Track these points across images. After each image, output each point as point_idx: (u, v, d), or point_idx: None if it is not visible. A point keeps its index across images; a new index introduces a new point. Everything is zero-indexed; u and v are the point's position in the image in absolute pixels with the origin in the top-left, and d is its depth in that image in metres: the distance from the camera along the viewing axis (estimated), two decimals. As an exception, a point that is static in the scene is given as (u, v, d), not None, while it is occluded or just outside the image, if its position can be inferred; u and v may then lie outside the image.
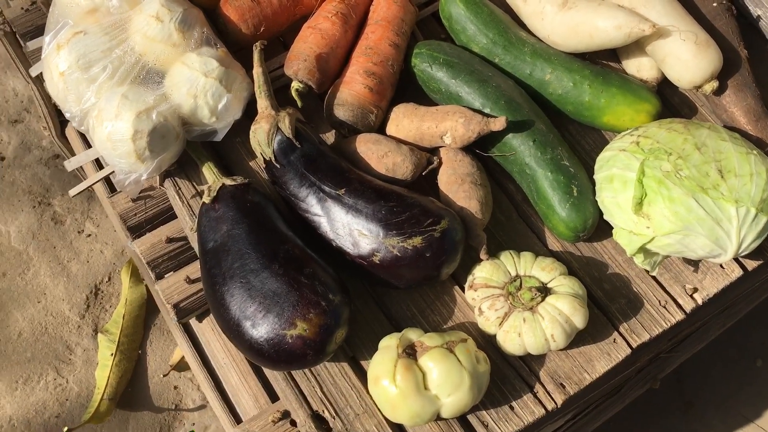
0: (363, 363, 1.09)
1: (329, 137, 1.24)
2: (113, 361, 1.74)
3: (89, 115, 1.14)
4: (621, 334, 1.11)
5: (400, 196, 1.08)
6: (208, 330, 1.29)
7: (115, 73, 1.13)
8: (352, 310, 1.05)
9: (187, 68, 1.13)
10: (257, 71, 1.14)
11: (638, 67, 1.26)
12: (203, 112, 1.14)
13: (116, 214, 1.28)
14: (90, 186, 1.24)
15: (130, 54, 1.14)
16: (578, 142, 1.25)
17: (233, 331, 1.03)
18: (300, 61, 1.19)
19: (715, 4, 1.25)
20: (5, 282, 1.90)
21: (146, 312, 1.84)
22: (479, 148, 1.19)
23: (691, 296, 1.14)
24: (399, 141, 1.18)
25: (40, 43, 1.23)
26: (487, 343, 1.10)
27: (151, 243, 1.25)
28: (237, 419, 1.27)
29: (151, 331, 1.85)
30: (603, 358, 1.09)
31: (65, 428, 1.68)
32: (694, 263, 1.16)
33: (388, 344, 1.04)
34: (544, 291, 1.06)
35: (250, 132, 1.14)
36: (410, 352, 1.02)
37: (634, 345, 1.10)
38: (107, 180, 1.36)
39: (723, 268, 1.15)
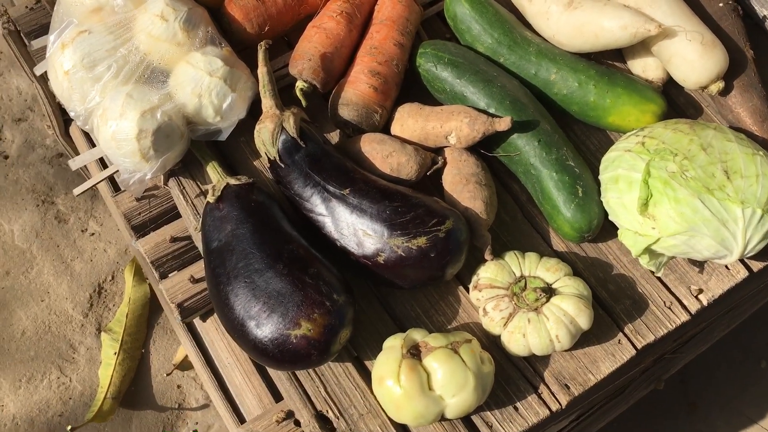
0: (367, 363, 1.09)
1: (334, 137, 1.24)
2: (116, 359, 1.74)
3: (94, 114, 1.14)
4: (626, 335, 1.11)
5: (405, 196, 1.08)
6: (212, 329, 1.29)
7: (119, 72, 1.13)
8: (356, 310, 1.05)
9: (192, 67, 1.13)
10: (262, 71, 1.14)
11: (644, 68, 1.25)
12: (208, 111, 1.14)
13: (120, 213, 1.28)
14: (94, 185, 1.24)
15: (134, 53, 1.14)
16: (583, 143, 1.25)
17: (237, 330, 1.02)
18: (304, 61, 1.19)
19: (721, 5, 1.24)
20: (9, 280, 1.90)
21: (149, 311, 1.84)
22: (484, 148, 1.18)
23: (696, 297, 1.13)
24: (403, 141, 1.18)
25: (45, 42, 1.23)
26: (492, 343, 1.10)
27: (155, 242, 1.25)
28: (240, 419, 1.27)
29: (154, 330, 1.85)
30: (608, 359, 1.09)
31: (68, 427, 1.69)
32: (700, 264, 1.15)
33: (393, 344, 1.03)
34: (549, 292, 1.06)
35: (255, 131, 1.14)
36: (414, 352, 1.02)
37: (639, 346, 1.10)
38: (111, 179, 1.36)
39: (728, 269, 1.15)
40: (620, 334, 1.11)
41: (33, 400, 1.78)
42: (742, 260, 1.15)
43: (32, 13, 1.44)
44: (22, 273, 1.92)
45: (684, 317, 1.12)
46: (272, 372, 1.16)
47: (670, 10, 1.18)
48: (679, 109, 1.28)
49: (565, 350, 1.08)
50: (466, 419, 1.06)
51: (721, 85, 1.19)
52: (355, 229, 1.07)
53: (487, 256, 1.10)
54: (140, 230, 1.28)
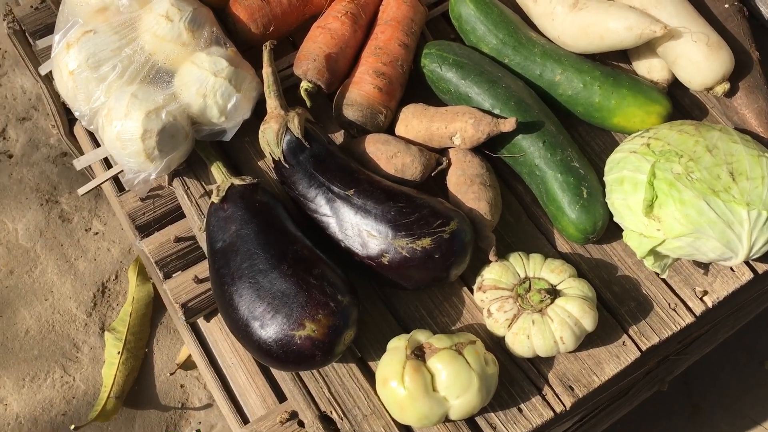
0: (371, 364, 1.09)
1: (338, 137, 1.24)
2: (120, 359, 1.74)
3: (98, 114, 1.14)
4: (630, 337, 1.10)
5: (410, 197, 1.08)
6: (215, 329, 1.29)
7: (124, 72, 1.13)
8: (360, 311, 1.05)
9: (197, 68, 1.13)
10: (267, 71, 1.14)
11: (649, 69, 1.25)
12: (212, 111, 1.14)
13: (125, 213, 1.28)
14: (99, 185, 1.24)
15: (139, 53, 1.14)
16: (588, 144, 1.25)
17: (242, 331, 1.02)
18: (309, 61, 1.19)
19: (726, 6, 1.24)
20: (12, 279, 1.91)
21: (153, 310, 1.84)
22: (488, 149, 1.18)
23: (700, 299, 1.13)
24: (408, 141, 1.18)
25: (50, 42, 1.23)
26: (496, 344, 1.10)
27: (160, 242, 1.25)
28: (244, 419, 1.27)
29: (157, 330, 1.86)
30: (612, 360, 1.09)
31: (72, 426, 1.69)
32: (704, 266, 1.15)
33: (397, 345, 1.03)
34: (554, 293, 1.06)
35: (259, 132, 1.14)
36: (419, 353, 1.02)
37: (644, 348, 1.10)
38: (115, 179, 1.36)
39: (733, 271, 1.15)
40: (625, 335, 1.10)
41: (36, 399, 1.78)
42: (747, 262, 1.15)
43: (37, 12, 1.44)
44: (26, 272, 1.92)
45: (689, 319, 1.12)
46: (276, 372, 1.16)
47: (675, 11, 1.18)
48: (684, 111, 1.28)
49: (570, 352, 1.08)
50: (470, 420, 1.06)
51: (726, 86, 1.19)
52: (360, 230, 1.06)
53: (492, 257, 1.10)
54: (144, 230, 1.29)
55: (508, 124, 1.11)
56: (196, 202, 1.19)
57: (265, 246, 1.04)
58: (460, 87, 1.19)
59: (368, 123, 1.18)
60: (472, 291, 1.13)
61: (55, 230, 1.97)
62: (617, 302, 1.13)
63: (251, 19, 1.23)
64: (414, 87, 1.24)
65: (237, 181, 1.12)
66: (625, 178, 1.09)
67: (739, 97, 1.21)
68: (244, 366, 1.25)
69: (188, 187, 1.20)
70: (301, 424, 1.10)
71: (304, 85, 1.19)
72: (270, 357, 1.02)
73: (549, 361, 1.09)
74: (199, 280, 1.19)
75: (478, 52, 1.24)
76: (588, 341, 1.08)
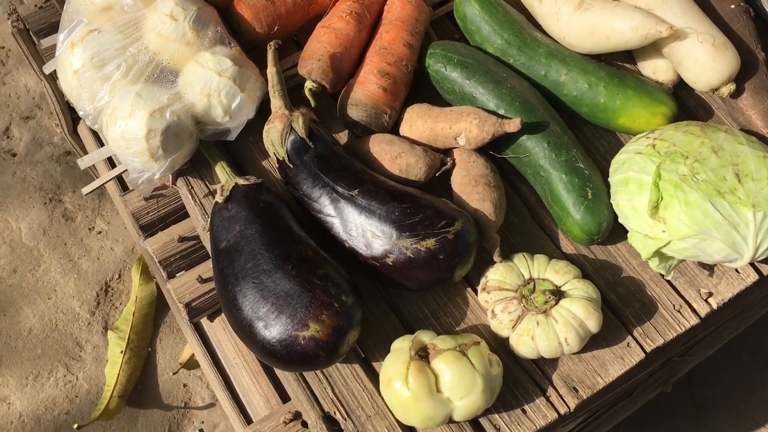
0: (375, 365, 1.09)
1: (342, 137, 1.24)
2: (123, 358, 1.74)
3: (103, 113, 1.14)
4: (635, 338, 1.10)
5: (414, 198, 1.08)
6: (219, 329, 1.29)
7: (129, 71, 1.13)
8: (364, 311, 1.05)
9: (201, 67, 1.13)
10: (271, 71, 1.14)
11: (654, 69, 1.25)
12: (217, 111, 1.14)
13: (128, 213, 1.28)
14: (103, 184, 1.24)
15: (144, 52, 1.14)
16: (593, 144, 1.24)
17: (245, 331, 1.02)
18: (314, 61, 1.19)
19: (732, 6, 1.23)
20: (16, 278, 1.91)
21: (156, 309, 1.85)
22: (493, 150, 1.18)
23: (705, 301, 1.13)
24: (412, 142, 1.17)
25: (54, 41, 1.23)
26: (500, 346, 1.09)
27: (163, 242, 1.24)
28: (247, 419, 1.27)
29: (160, 329, 1.86)
30: (617, 362, 1.09)
31: (75, 425, 1.69)
32: (709, 267, 1.15)
33: (401, 346, 1.03)
34: (558, 294, 1.05)
35: (264, 131, 1.14)
36: (423, 354, 1.01)
37: (648, 349, 1.09)
38: (119, 178, 1.36)
39: (738, 272, 1.14)
40: (629, 337, 1.10)
41: (40, 398, 1.78)
42: (752, 264, 1.15)
43: (41, 11, 1.44)
44: (30, 271, 1.92)
45: (693, 320, 1.11)
46: (279, 373, 1.15)
47: (681, 12, 1.18)
48: (690, 111, 1.28)
49: (574, 353, 1.08)
50: (474, 421, 1.06)
51: (732, 87, 1.18)
52: (364, 230, 1.06)
53: (496, 258, 1.10)
54: (148, 230, 1.28)
55: (513, 125, 1.11)
56: (200, 202, 1.19)
57: (269, 246, 1.04)
58: (465, 87, 1.19)
59: (372, 123, 1.18)
60: (476, 292, 1.13)
61: (59, 229, 1.97)
62: (622, 303, 1.12)
63: (256, 19, 1.22)
64: (418, 87, 1.24)
65: (241, 181, 1.11)
66: (630, 179, 1.09)
67: (744, 98, 1.20)
68: (247, 366, 1.25)
69: (192, 187, 1.20)
70: (304, 424, 1.10)
71: (308, 84, 1.19)
72: (274, 357, 1.02)
73: (553, 362, 1.09)
74: (202, 280, 1.19)
75: (483, 52, 1.23)
76: (592, 342, 1.08)
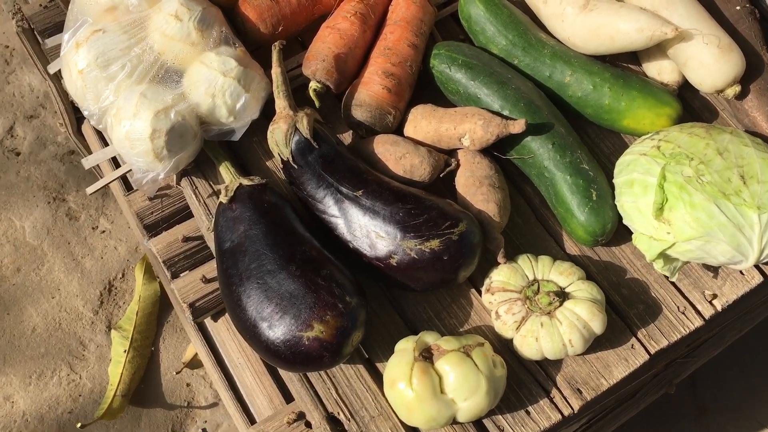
0: (379, 365, 1.09)
1: (346, 138, 1.24)
2: (126, 357, 1.74)
3: (107, 113, 1.14)
4: (639, 340, 1.10)
5: (418, 199, 1.08)
6: (223, 329, 1.29)
7: (133, 71, 1.13)
8: (368, 312, 1.05)
9: (206, 67, 1.13)
10: (276, 71, 1.14)
11: (659, 70, 1.25)
12: (221, 111, 1.14)
13: (133, 213, 1.28)
14: (107, 184, 1.24)
15: (148, 53, 1.14)
16: (597, 146, 1.24)
17: (249, 331, 1.02)
18: (318, 61, 1.19)
19: (738, 8, 1.23)
20: (20, 277, 1.91)
21: (159, 309, 1.85)
22: (497, 151, 1.18)
23: (710, 302, 1.13)
24: (417, 142, 1.17)
25: (59, 41, 1.23)
26: (504, 347, 1.09)
27: (168, 242, 1.25)
28: (251, 419, 1.27)
29: (164, 328, 1.86)
30: (621, 363, 1.08)
31: (78, 424, 1.69)
32: (714, 269, 1.15)
33: (405, 347, 1.03)
34: (562, 296, 1.05)
35: (268, 132, 1.14)
36: (427, 355, 1.01)
37: (653, 351, 1.09)
38: (123, 178, 1.36)
39: (743, 274, 1.14)
40: (633, 338, 1.10)
41: (43, 396, 1.78)
42: (757, 266, 1.15)
43: (46, 11, 1.44)
44: (33, 270, 1.92)
45: (698, 322, 1.11)
46: (283, 373, 1.16)
47: (686, 13, 1.18)
48: (695, 113, 1.28)
49: (578, 354, 1.08)
50: (478, 423, 1.06)
51: (737, 88, 1.18)
52: (368, 231, 1.06)
53: (500, 259, 1.10)
54: (152, 229, 1.29)
55: (518, 126, 1.11)
56: (205, 202, 1.19)
57: (274, 246, 1.04)
58: (470, 88, 1.19)
59: (377, 124, 1.18)
60: (480, 293, 1.13)
61: (63, 228, 1.97)
62: (626, 305, 1.12)
63: (260, 19, 1.22)
64: (423, 88, 1.24)
65: (245, 182, 1.11)
66: (635, 181, 1.08)
67: (750, 99, 1.20)
68: (251, 366, 1.25)
69: (196, 187, 1.20)
70: (308, 425, 1.10)
71: (312, 85, 1.19)
72: (278, 358, 1.02)
73: (557, 363, 1.09)
74: (206, 280, 1.19)
75: (488, 53, 1.23)
76: (596, 344, 1.08)
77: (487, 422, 1.06)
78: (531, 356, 1.06)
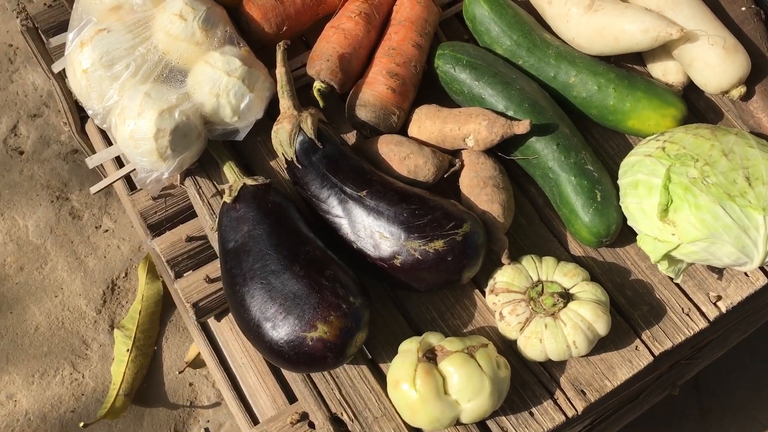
0: (382, 366, 1.09)
1: (350, 138, 1.24)
2: (129, 356, 1.75)
3: (112, 112, 1.14)
4: (643, 342, 1.10)
5: (422, 199, 1.07)
6: (226, 329, 1.29)
7: (138, 71, 1.13)
8: (372, 312, 1.05)
9: (210, 67, 1.13)
10: (280, 71, 1.14)
11: (664, 71, 1.24)
12: (225, 111, 1.14)
13: (136, 212, 1.28)
14: (111, 183, 1.24)
15: (153, 52, 1.14)
16: (601, 146, 1.24)
17: (253, 332, 1.02)
18: (322, 61, 1.18)
19: (743, 9, 1.23)
20: (23, 276, 1.91)
21: (162, 308, 1.85)
22: (502, 151, 1.18)
23: (714, 304, 1.12)
24: (421, 143, 1.17)
25: (63, 40, 1.23)
26: (508, 348, 1.09)
27: (171, 241, 1.25)
28: (254, 419, 1.27)
29: (166, 328, 1.86)
30: (625, 365, 1.08)
31: (81, 423, 1.69)
32: (718, 271, 1.14)
33: (408, 348, 1.03)
34: (566, 297, 1.05)
35: (272, 132, 1.13)
36: (430, 356, 1.01)
37: (657, 353, 1.09)
38: (127, 177, 1.36)
39: (747, 276, 1.14)
40: (637, 340, 1.10)
41: (46, 395, 1.79)
42: (761, 267, 1.14)
43: (51, 10, 1.44)
44: (36, 269, 1.92)
45: (702, 324, 1.11)
46: (286, 373, 1.15)
47: (691, 14, 1.17)
48: (699, 114, 1.27)
49: (582, 356, 1.08)
50: (482, 424, 1.05)
51: (742, 89, 1.18)
52: (372, 232, 1.06)
53: (504, 260, 1.10)
54: (156, 229, 1.29)
55: (522, 127, 1.11)
56: (208, 202, 1.19)
57: (278, 247, 1.04)
58: (474, 88, 1.18)
59: (381, 124, 1.17)
60: (484, 294, 1.12)
61: (66, 227, 1.97)
62: (630, 306, 1.12)
63: (265, 19, 1.22)
64: (427, 88, 1.24)
65: (249, 181, 1.11)
66: (639, 182, 1.08)
67: (755, 100, 1.20)
68: (254, 366, 1.25)
69: (200, 187, 1.20)
70: (311, 425, 1.10)
71: (317, 85, 1.19)
72: (281, 358, 1.01)
73: (561, 365, 1.09)
74: (210, 280, 1.19)
75: (492, 53, 1.23)
76: (600, 345, 1.08)
77: (490, 423, 1.05)
78: (535, 357, 1.06)
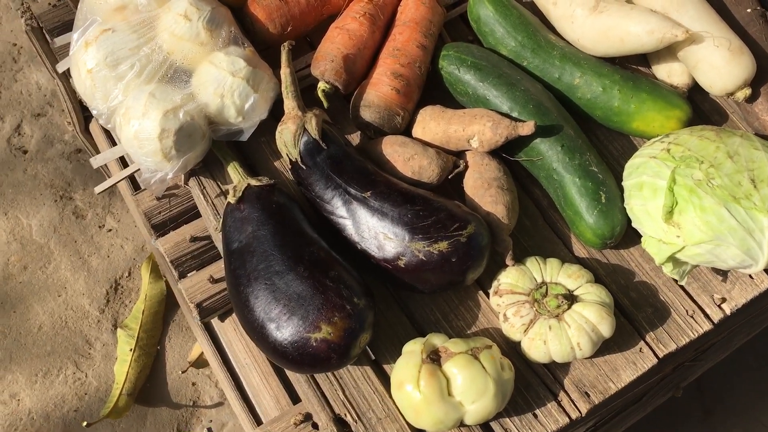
0: (386, 367, 1.09)
1: (355, 139, 1.24)
2: (132, 356, 1.75)
3: (116, 112, 1.14)
4: (647, 344, 1.10)
5: (427, 200, 1.07)
6: (230, 330, 1.29)
7: (142, 71, 1.13)
8: (376, 314, 1.05)
9: (215, 67, 1.13)
10: (285, 71, 1.13)
11: (669, 73, 1.24)
12: (230, 111, 1.14)
13: (140, 212, 1.28)
14: (115, 183, 1.24)
15: (157, 52, 1.14)
16: (606, 148, 1.24)
17: (257, 332, 1.02)
18: (327, 62, 1.18)
19: (749, 10, 1.23)
20: (26, 275, 1.91)
21: (165, 308, 1.85)
22: (506, 153, 1.17)
23: (719, 306, 1.12)
24: (425, 144, 1.17)
25: (68, 40, 1.23)
26: (512, 349, 1.09)
27: (175, 242, 1.25)
28: (257, 420, 1.27)
29: (170, 327, 1.86)
30: (629, 367, 1.08)
31: (84, 423, 1.69)
32: (723, 273, 1.14)
33: (412, 349, 1.03)
34: (571, 298, 1.05)
35: (277, 132, 1.13)
36: (434, 357, 1.01)
37: (661, 355, 1.09)
38: (131, 177, 1.36)
39: (752, 278, 1.14)
40: (642, 342, 1.10)
41: (49, 394, 1.79)
42: (766, 270, 1.14)
43: (55, 10, 1.44)
44: (40, 268, 1.92)
45: (706, 326, 1.11)
46: (290, 374, 1.15)
47: (697, 16, 1.17)
48: (704, 116, 1.27)
49: (586, 358, 1.07)
50: (485, 425, 1.05)
51: (747, 91, 1.17)
52: (376, 233, 1.06)
53: (509, 261, 1.10)
54: (160, 229, 1.29)
55: (527, 128, 1.11)
56: (212, 202, 1.18)
57: (282, 247, 1.04)
58: (478, 89, 1.18)
59: (385, 125, 1.17)
60: (488, 295, 1.12)
61: (69, 226, 1.97)
62: (634, 308, 1.12)
63: (269, 19, 1.22)
64: (431, 89, 1.24)
65: (254, 182, 1.11)
66: (644, 184, 1.08)
67: (760, 102, 1.20)
68: (258, 366, 1.25)
69: (204, 187, 1.20)
70: (315, 426, 1.10)
71: (321, 86, 1.19)
72: (285, 359, 1.01)
73: (565, 366, 1.08)
74: (214, 280, 1.19)
75: (497, 54, 1.23)
76: (605, 347, 1.08)
77: (494, 425, 1.05)
78: (539, 359, 1.06)
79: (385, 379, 1.07)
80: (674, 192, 1.04)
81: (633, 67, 1.28)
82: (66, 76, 1.48)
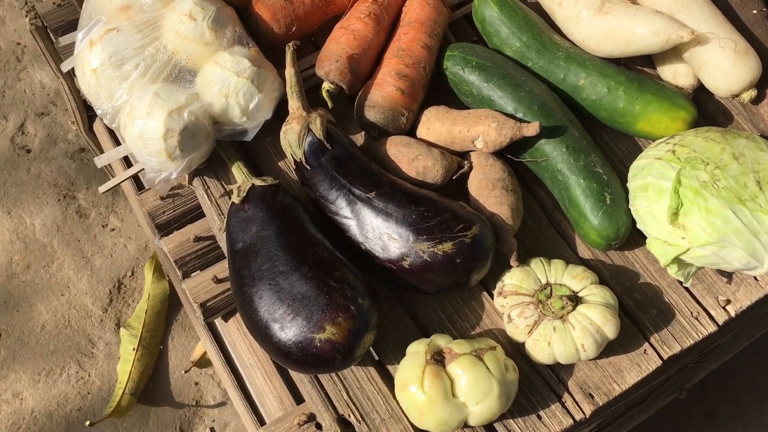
0: (390, 368, 1.09)
1: (359, 139, 1.23)
2: (135, 355, 1.75)
3: (121, 112, 1.14)
4: (652, 345, 1.09)
5: (431, 201, 1.07)
6: (233, 329, 1.29)
7: (147, 71, 1.13)
8: (380, 314, 1.05)
9: (219, 67, 1.13)
10: (289, 72, 1.13)
11: (674, 74, 1.24)
12: (234, 111, 1.14)
13: (144, 212, 1.28)
14: (119, 183, 1.24)
15: (162, 52, 1.14)
16: (611, 149, 1.24)
17: (261, 333, 1.02)
18: (331, 62, 1.18)
19: (754, 12, 1.22)
20: (29, 274, 1.91)
21: (168, 307, 1.85)
22: (510, 153, 1.17)
23: (723, 308, 1.12)
24: (430, 144, 1.17)
25: (72, 39, 1.23)
26: (516, 351, 1.09)
27: (179, 241, 1.25)
28: (260, 420, 1.27)
29: (172, 327, 1.86)
30: (633, 369, 1.08)
31: (87, 422, 1.69)
32: (728, 274, 1.14)
33: (416, 350, 1.03)
34: (575, 300, 1.05)
35: (281, 132, 1.13)
36: (438, 358, 1.01)
37: (665, 356, 1.09)
38: (135, 177, 1.36)
39: (757, 280, 1.14)
40: (646, 344, 1.09)
41: (52, 394, 1.79)
42: (771, 271, 1.14)
43: (60, 9, 1.44)
44: (43, 267, 1.93)
45: (711, 328, 1.10)
46: (294, 374, 1.15)
47: (702, 17, 1.17)
48: (709, 117, 1.27)
49: (590, 359, 1.07)
50: (489, 427, 1.05)
51: (753, 93, 1.17)
52: (381, 233, 1.06)
53: (513, 262, 1.09)
54: (164, 229, 1.29)
55: (532, 129, 1.11)
56: (216, 202, 1.18)
57: (286, 248, 1.04)
58: (483, 90, 1.18)
59: (390, 125, 1.17)
60: (492, 296, 1.12)
61: (72, 226, 1.98)
62: (639, 310, 1.12)
63: (274, 19, 1.22)
64: (436, 89, 1.24)
65: (258, 182, 1.11)
66: (649, 185, 1.08)
67: (765, 104, 1.19)
68: (261, 367, 1.25)
69: (208, 187, 1.20)
70: (318, 426, 1.10)
71: (325, 86, 1.19)
72: (289, 359, 1.01)
73: (569, 368, 1.08)
74: (218, 280, 1.19)
75: (502, 55, 1.23)
76: (609, 349, 1.08)
77: (498, 426, 1.05)
78: (543, 360, 1.05)
79: (389, 380, 1.07)
80: (679, 193, 1.04)
81: (638, 68, 1.28)
82: (70, 75, 1.49)
